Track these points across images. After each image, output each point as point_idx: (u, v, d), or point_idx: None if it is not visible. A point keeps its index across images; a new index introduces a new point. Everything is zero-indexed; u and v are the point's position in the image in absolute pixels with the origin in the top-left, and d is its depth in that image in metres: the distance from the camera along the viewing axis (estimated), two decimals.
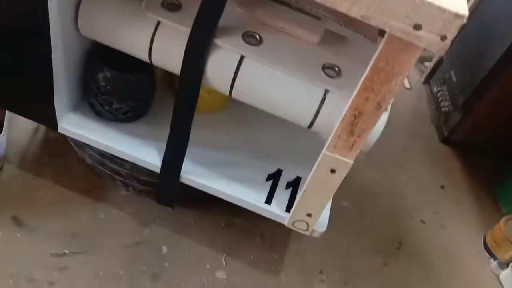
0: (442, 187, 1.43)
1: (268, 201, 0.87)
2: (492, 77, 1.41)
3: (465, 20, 0.50)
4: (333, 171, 0.73)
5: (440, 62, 1.74)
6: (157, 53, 0.74)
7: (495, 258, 1.24)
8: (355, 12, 0.53)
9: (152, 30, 0.72)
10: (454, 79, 1.59)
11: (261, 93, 0.73)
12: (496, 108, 1.46)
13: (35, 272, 0.89)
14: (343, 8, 0.53)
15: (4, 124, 1.00)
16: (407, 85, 1.79)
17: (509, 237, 1.21)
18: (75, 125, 0.86)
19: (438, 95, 1.66)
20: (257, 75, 0.72)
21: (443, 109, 1.60)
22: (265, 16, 0.75)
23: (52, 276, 0.89)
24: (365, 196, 1.30)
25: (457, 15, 0.50)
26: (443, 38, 0.52)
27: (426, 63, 1.91)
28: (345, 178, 1.29)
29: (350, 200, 1.26)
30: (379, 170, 1.40)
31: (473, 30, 1.50)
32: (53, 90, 0.79)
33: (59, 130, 0.86)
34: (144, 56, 0.75)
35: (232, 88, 0.73)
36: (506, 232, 1.22)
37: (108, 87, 0.82)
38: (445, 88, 1.64)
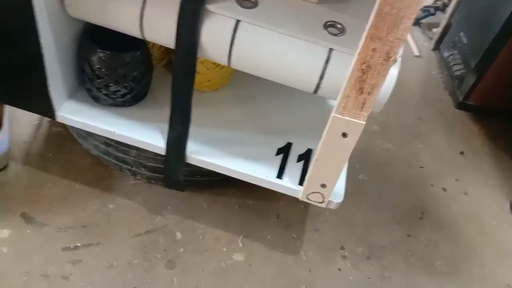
0: (462, 153, 1.37)
1: (280, 175, 0.83)
2: (503, 35, 1.35)
3: None
4: (344, 134, 0.68)
5: (448, 26, 1.68)
6: (148, 27, 0.70)
7: None
8: None
9: (141, 2, 0.68)
10: (465, 40, 1.52)
11: (261, 58, 0.69)
12: (511, 67, 1.39)
13: (48, 268, 0.87)
14: None
15: (5, 121, 0.98)
16: (416, 52, 1.73)
17: None
18: (74, 113, 0.84)
19: (450, 59, 1.60)
20: (255, 39, 0.68)
21: (456, 73, 1.54)
22: None
23: (66, 270, 0.87)
24: (382, 168, 1.26)
25: None
26: None
27: (434, 29, 1.84)
28: (360, 150, 1.25)
29: (366, 172, 1.22)
30: (395, 140, 1.35)
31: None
32: (47, 78, 0.77)
33: (57, 119, 0.83)
34: (135, 32, 0.72)
35: (230, 56, 0.69)
36: None
37: (103, 69, 0.79)
38: (456, 51, 1.58)
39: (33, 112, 0.85)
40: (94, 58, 0.78)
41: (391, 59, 0.59)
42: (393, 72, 0.67)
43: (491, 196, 1.26)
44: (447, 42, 1.67)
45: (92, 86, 0.82)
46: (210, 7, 0.67)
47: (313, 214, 1.09)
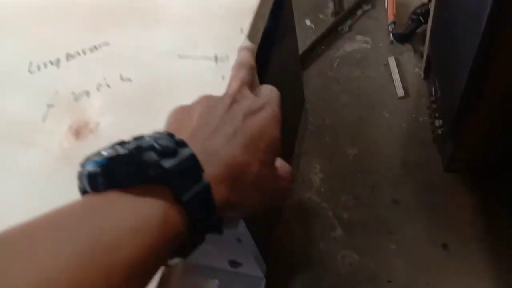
0: (445, 246, 1.16)
1: None
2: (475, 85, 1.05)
3: None
4: None
5: (429, 56, 1.36)
6: None
7: None
8: None
9: None
10: (439, 92, 1.23)
11: None
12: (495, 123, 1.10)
13: None
14: None
15: None
16: (400, 93, 1.45)
17: None
18: None
19: (433, 107, 1.31)
20: None
21: (438, 131, 1.27)
22: None
23: None
24: None
25: None
26: None
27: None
28: (313, 276, 1.14)
29: None
30: (361, 246, 1.20)
31: (448, 22, 1.12)
32: None
33: None
34: None
35: None
36: None
37: None
38: (439, 95, 1.29)
39: None
40: None
41: None
42: None
43: None
44: (433, 75, 1.37)
45: None
46: None
47: None
